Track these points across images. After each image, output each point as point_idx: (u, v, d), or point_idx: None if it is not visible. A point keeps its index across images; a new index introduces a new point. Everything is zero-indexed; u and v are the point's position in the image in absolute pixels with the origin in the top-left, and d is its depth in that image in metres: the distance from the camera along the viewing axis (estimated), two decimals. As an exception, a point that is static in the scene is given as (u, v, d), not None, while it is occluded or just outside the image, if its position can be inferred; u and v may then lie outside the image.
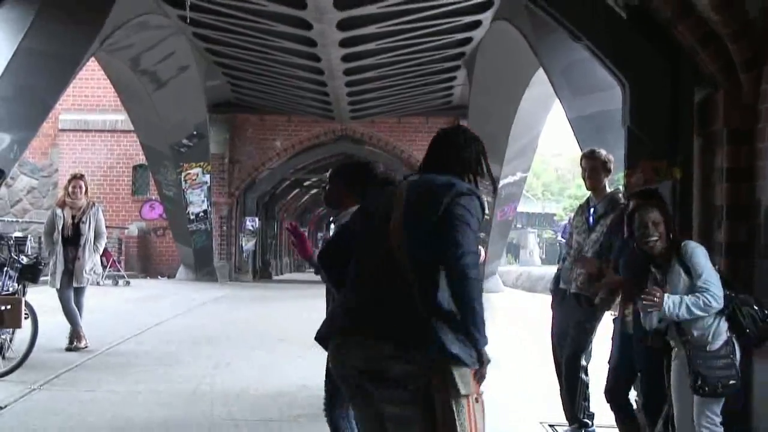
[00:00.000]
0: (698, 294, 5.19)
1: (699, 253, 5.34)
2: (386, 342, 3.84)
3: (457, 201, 3.96)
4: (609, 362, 6.52)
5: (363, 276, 4.06)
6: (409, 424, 3.86)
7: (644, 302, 5.27)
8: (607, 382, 6.49)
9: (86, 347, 11.23)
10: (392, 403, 3.89)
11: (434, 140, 4.37)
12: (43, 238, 11.99)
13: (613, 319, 6.66)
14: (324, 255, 4.49)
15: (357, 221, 4.28)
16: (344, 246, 4.25)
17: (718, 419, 5.29)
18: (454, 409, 3.72)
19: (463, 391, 3.73)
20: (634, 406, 6.63)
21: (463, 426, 3.71)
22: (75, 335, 11.31)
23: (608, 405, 6.52)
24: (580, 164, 7.48)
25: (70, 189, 11.50)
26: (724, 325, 5.28)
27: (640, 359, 6.14)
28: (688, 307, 5.17)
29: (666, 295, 5.20)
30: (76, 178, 11.66)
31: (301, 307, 19.62)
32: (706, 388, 5.18)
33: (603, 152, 7.31)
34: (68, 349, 11.12)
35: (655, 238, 5.39)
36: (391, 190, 4.21)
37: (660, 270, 5.46)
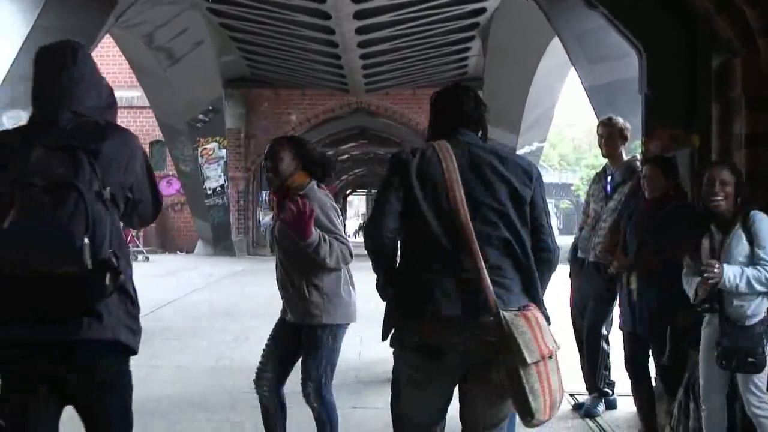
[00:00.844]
0: (760, 267, 5.00)
1: (765, 225, 5.13)
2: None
3: (540, 182, 4.12)
4: (621, 326, 6.43)
5: (437, 252, 3.93)
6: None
7: (705, 275, 5.02)
8: (624, 351, 6.47)
9: None
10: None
11: (444, 99, 4.33)
12: None
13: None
14: (381, 235, 3.99)
15: (396, 185, 3.99)
16: (396, 223, 3.99)
17: (765, 395, 5.12)
18: (523, 376, 3.72)
19: (530, 360, 3.72)
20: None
21: (535, 391, 3.73)
22: None
23: (627, 373, 6.52)
24: (597, 132, 7.46)
25: None
26: (765, 303, 5.09)
27: (646, 329, 6.10)
28: (748, 280, 4.97)
29: (725, 266, 5.01)
30: None
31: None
32: (734, 362, 5.03)
33: (620, 119, 7.28)
34: None
35: (720, 198, 5.17)
36: (433, 157, 4.02)
37: (721, 232, 5.25)
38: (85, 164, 3.30)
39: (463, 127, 4.19)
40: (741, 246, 5.09)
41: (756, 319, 5.07)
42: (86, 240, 3.19)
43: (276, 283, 5.58)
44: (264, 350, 5.63)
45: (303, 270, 5.34)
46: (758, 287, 4.99)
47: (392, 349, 4.06)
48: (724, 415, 5.37)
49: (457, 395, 4.04)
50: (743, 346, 5.03)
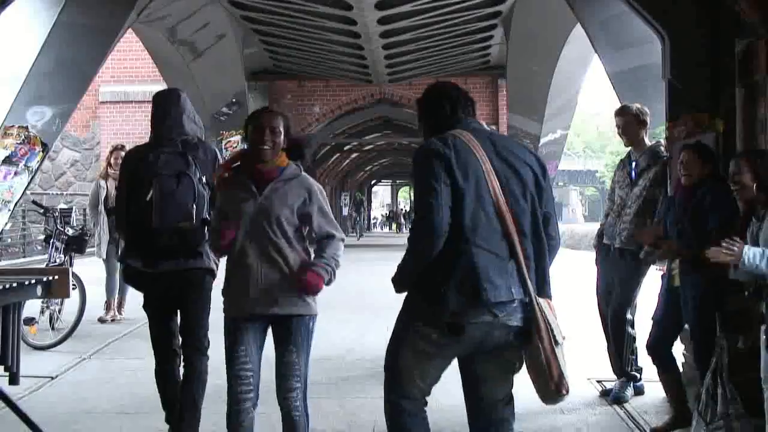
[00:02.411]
0: None
1: None
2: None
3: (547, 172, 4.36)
4: (653, 317, 6.50)
5: (483, 241, 4.05)
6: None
7: (723, 251, 4.97)
8: (649, 336, 6.48)
9: (113, 320, 11.30)
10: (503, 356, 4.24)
11: (438, 94, 4.52)
12: (88, 210, 12.07)
13: (661, 276, 6.63)
14: (441, 234, 4.00)
15: (443, 177, 4.03)
16: (449, 218, 4.03)
17: None
18: (558, 353, 4.12)
19: (560, 340, 4.11)
20: (680, 360, 6.63)
21: (564, 369, 4.12)
22: (106, 305, 11.37)
23: (650, 358, 6.52)
24: (615, 122, 7.45)
25: (112, 160, 11.55)
26: None
27: (689, 315, 6.10)
28: None
29: (746, 246, 4.95)
30: (118, 149, 11.71)
31: (344, 270, 19.65)
32: None
33: (635, 106, 7.26)
34: (101, 320, 11.19)
35: (735, 188, 5.23)
36: (464, 147, 4.13)
37: (757, 219, 5.21)
38: (191, 163, 5.62)
39: (469, 117, 4.33)
40: (766, 229, 5.05)
41: None
42: (194, 207, 5.53)
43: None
44: (243, 364, 4.92)
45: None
46: None
47: (405, 320, 4.31)
48: None
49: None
50: None
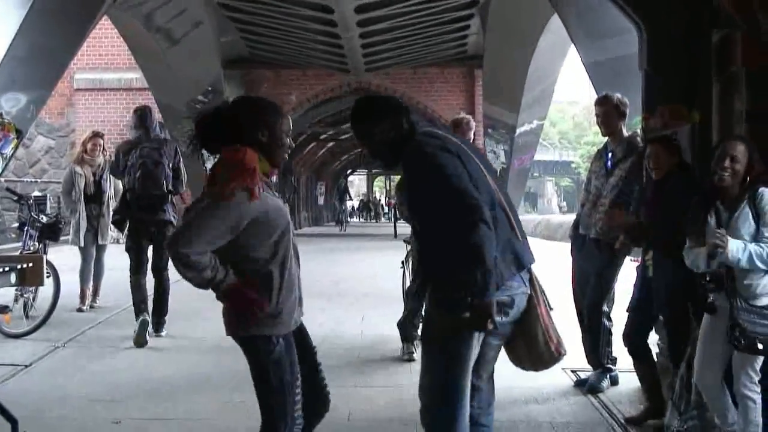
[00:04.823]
0: (763, 245, 4.95)
1: None
2: None
3: None
4: (628, 307, 6.52)
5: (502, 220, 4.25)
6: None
7: (714, 241, 4.96)
8: (625, 325, 6.51)
9: (92, 307, 11.25)
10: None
11: (387, 106, 4.51)
12: (62, 198, 11.93)
13: (636, 267, 6.66)
14: (489, 218, 4.02)
15: (464, 170, 4.11)
16: None
17: (757, 377, 5.14)
18: (552, 320, 4.42)
19: (552, 306, 4.49)
20: (654, 350, 6.66)
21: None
22: (81, 293, 11.31)
23: (626, 349, 6.55)
24: (595, 111, 7.47)
25: (89, 146, 11.45)
26: None
27: (661, 305, 6.13)
28: (750, 256, 4.92)
29: (730, 239, 4.95)
30: (98, 136, 11.65)
31: (321, 260, 19.70)
32: (743, 341, 4.94)
33: (615, 96, 7.27)
34: (79, 311, 11.14)
35: (726, 173, 5.12)
36: (458, 144, 4.30)
37: (727, 209, 5.19)
38: (163, 154, 9.56)
39: (425, 123, 4.48)
40: (747, 223, 5.05)
41: (767, 299, 5.03)
42: (165, 182, 9.48)
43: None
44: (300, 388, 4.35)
45: None
46: (759, 264, 4.95)
47: (456, 340, 4.21)
48: (723, 389, 5.34)
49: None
50: (763, 329, 4.95)
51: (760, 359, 5.12)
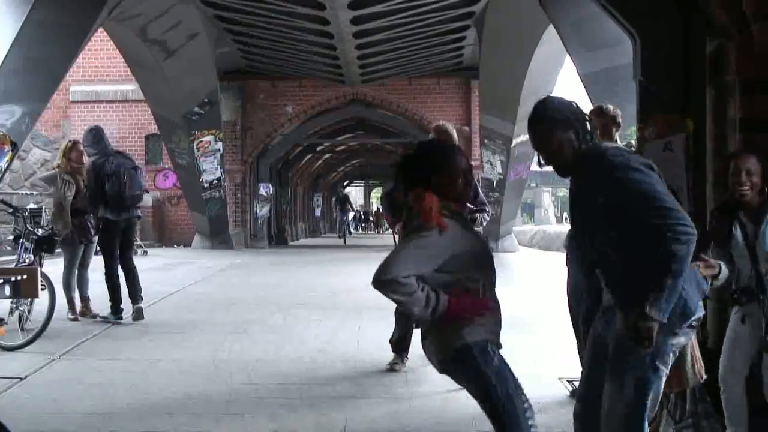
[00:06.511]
0: None
1: None
2: None
3: None
4: None
5: None
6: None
7: (703, 273, 4.75)
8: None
9: (94, 316, 11.20)
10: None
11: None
12: (53, 209, 11.68)
13: None
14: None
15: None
16: None
17: None
18: None
19: None
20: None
21: None
22: (69, 303, 11.26)
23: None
24: (588, 122, 7.45)
25: (74, 155, 11.32)
26: None
27: None
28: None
29: (721, 265, 4.93)
30: (78, 142, 11.58)
31: (317, 272, 19.69)
32: None
33: (611, 107, 7.28)
34: (74, 319, 11.11)
35: (746, 188, 5.13)
36: None
37: (751, 221, 5.22)
38: (130, 162, 11.43)
39: None
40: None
41: None
42: (138, 186, 11.24)
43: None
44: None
45: None
46: None
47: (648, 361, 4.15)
48: (744, 395, 5.39)
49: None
50: None
51: None
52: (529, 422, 4.19)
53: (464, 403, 7.06)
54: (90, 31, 14.04)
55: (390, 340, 8.49)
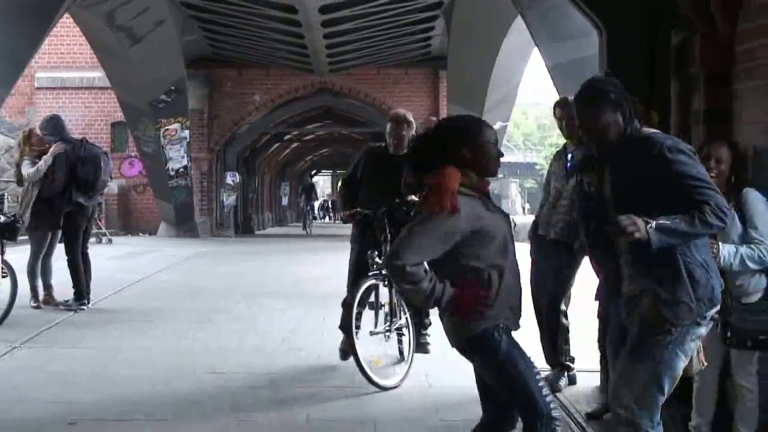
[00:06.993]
0: (753, 246, 5.01)
1: (758, 204, 5.12)
2: None
3: None
4: (598, 314, 6.44)
5: None
6: None
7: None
8: (598, 332, 6.48)
9: (57, 305, 11.09)
10: None
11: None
12: (28, 185, 11.32)
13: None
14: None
15: None
16: None
17: (755, 368, 5.25)
18: None
19: None
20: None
21: None
22: (32, 291, 11.12)
23: (599, 353, 6.56)
24: (554, 114, 7.48)
25: (34, 140, 11.11)
26: (764, 280, 5.11)
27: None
28: (742, 259, 4.97)
29: (720, 244, 4.98)
30: (33, 128, 11.48)
31: (283, 261, 19.65)
32: (735, 340, 5.05)
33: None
34: (37, 307, 10.99)
35: (713, 175, 5.01)
36: None
37: None
38: (99, 149, 11.77)
39: None
40: (734, 225, 5.08)
41: (757, 296, 5.11)
42: (108, 172, 11.58)
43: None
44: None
45: None
46: (751, 265, 5.02)
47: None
48: (716, 388, 5.48)
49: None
50: (753, 325, 5.03)
51: (755, 354, 5.21)
52: (547, 398, 4.20)
53: (428, 392, 7.11)
54: (56, 17, 13.89)
55: (339, 327, 8.37)
